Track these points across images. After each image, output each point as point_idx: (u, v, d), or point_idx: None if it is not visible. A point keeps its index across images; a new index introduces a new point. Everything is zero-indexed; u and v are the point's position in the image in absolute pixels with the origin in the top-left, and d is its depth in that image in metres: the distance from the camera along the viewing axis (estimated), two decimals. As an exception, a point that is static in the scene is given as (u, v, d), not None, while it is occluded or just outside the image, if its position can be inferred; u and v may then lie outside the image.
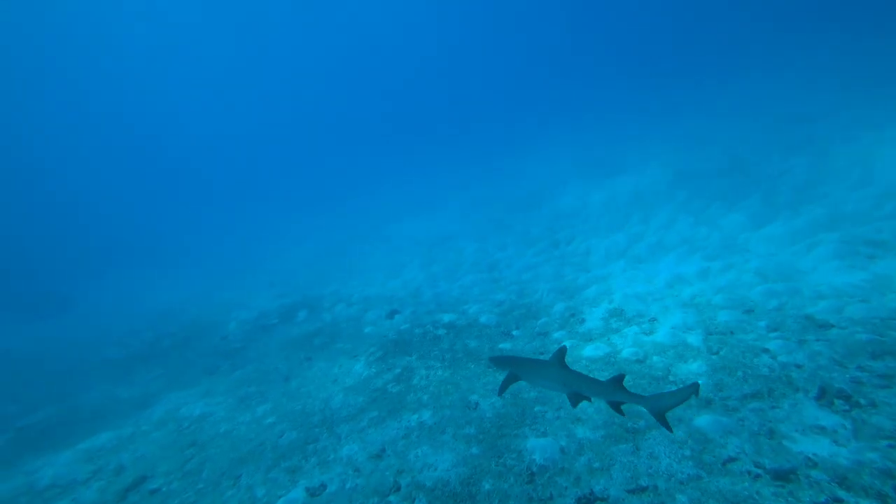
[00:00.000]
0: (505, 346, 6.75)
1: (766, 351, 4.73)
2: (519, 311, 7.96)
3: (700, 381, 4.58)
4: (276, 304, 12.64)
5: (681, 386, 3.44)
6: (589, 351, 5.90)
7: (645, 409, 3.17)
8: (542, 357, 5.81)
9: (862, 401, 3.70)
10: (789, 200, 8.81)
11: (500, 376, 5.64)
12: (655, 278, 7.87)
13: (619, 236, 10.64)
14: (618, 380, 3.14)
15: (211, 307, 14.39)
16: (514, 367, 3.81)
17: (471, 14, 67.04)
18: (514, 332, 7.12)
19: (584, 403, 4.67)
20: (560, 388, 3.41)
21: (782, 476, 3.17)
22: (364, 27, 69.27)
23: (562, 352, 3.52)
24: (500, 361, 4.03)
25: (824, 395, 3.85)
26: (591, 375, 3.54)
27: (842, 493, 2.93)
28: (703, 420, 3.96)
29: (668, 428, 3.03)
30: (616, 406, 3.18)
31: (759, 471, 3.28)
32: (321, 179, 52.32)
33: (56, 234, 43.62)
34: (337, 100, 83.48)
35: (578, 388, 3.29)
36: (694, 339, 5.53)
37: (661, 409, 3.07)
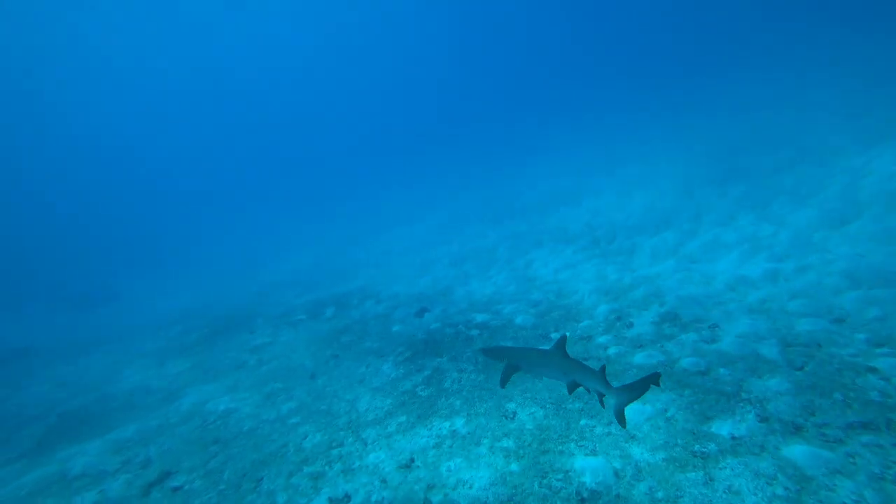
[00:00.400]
0: (544, 349, 6.19)
1: (872, 370, 3.91)
2: (558, 312, 7.36)
3: (783, 401, 3.88)
4: (303, 299, 12.57)
5: (642, 378, 3.11)
6: (640, 359, 5.26)
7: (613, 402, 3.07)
8: (586, 362, 5.27)
9: None
10: (875, 194, 7.69)
11: (540, 382, 5.19)
12: (713, 280, 7.06)
13: (667, 234, 9.78)
14: (601, 369, 3.14)
15: (236, 303, 14.56)
16: (511, 358, 3.60)
17: (474, 15, 66.04)
18: (553, 335, 6.55)
19: (638, 418, 4.14)
20: (561, 377, 3.37)
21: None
22: (366, 29, 69.48)
23: (563, 340, 3.48)
24: (493, 352, 3.79)
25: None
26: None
27: None
28: (796, 451, 3.28)
29: (623, 423, 2.98)
30: (600, 396, 3.12)
31: (893, 530, 2.57)
32: (342, 180, 53.48)
33: (94, 237, 46.90)
34: (345, 102, 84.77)
35: (576, 376, 3.24)
36: (768, 350, 4.78)
37: (622, 404, 2.97)
